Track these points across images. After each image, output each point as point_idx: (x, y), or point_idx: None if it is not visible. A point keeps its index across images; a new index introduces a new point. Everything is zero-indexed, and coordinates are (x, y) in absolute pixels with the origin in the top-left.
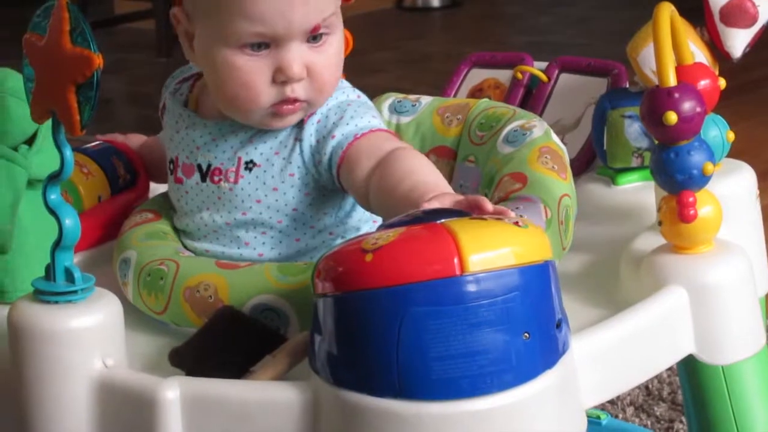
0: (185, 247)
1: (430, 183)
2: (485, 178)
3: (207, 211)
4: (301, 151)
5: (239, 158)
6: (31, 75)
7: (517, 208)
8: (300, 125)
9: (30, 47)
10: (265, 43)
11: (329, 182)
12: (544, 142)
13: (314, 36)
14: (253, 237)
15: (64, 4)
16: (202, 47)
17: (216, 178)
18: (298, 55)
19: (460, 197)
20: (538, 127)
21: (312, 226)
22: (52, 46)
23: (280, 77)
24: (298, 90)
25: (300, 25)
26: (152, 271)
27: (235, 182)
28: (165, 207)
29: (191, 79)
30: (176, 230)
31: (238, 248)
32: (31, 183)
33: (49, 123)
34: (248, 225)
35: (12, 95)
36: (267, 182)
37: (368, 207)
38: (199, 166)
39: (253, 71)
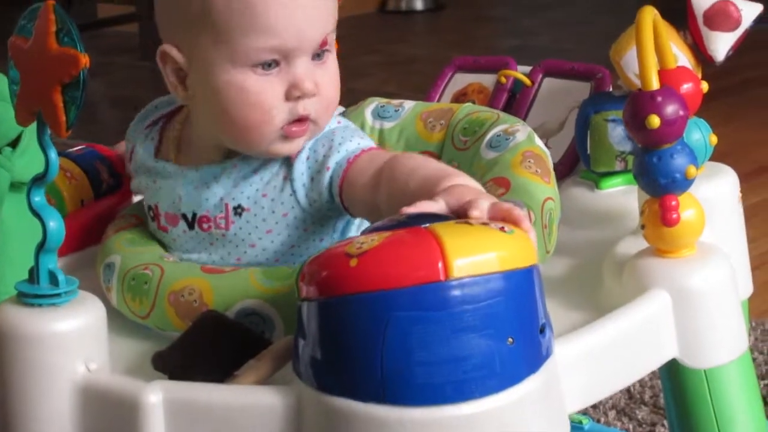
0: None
1: (439, 171)
2: None
3: (199, 254)
4: (294, 191)
5: (226, 204)
6: (17, 78)
7: None
8: (288, 163)
9: (15, 50)
10: (276, 61)
11: (332, 212)
12: (527, 147)
13: (317, 54)
14: None
15: (50, 5)
16: (203, 77)
17: (205, 226)
18: (309, 71)
19: (447, 202)
20: (521, 132)
21: (309, 254)
22: (39, 47)
23: (294, 93)
24: (309, 107)
25: (311, 39)
26: (137, 276)
27: (227, 228)
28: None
29: (160, 121)
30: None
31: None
32: (14, 186)
33: (33, 126)
34: (244, 266)
35: None
36: (259, 226)
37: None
38: (184, 215)
39: (265, 90)
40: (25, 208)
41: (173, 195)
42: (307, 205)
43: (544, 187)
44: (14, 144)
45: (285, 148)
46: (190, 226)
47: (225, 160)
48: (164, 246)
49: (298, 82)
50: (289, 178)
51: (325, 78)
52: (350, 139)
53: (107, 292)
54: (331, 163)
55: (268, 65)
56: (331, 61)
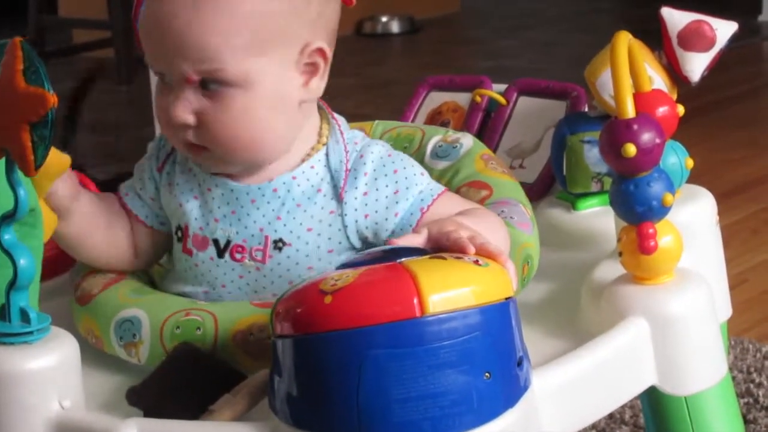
0: None
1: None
2: None
3: (223, 288)
4: (344, 226)
5: (266, 237)
6: None
7: (502, 211)
8: (336, 197)
9: None
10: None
11: None
12: (481, 150)
13: (204, 85)
14: None
15: (17, 43)
16: None
17: (238, 256)
18: (183, 98)
19: (429, 230)
20: (466, 137)
21: None
22: (5, 85)
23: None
24: (191, 136)
25: (177, 71)
26: (181, 324)
27: (263, 262)
28: None
29: None
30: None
31: None
32: None
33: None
34: None
35: None
36: (301, 262)
37: None
38: (216, 241)
39: (160, 106)
40: None
41: (208, 216)
42: (358, 242)
43: (517, 185)
44: None
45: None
46: (220, 253)
47: (261, 181)
48: (179, 274)
49: (168, 105)
50: (338, 213)
51: (211, 111)
52: (414, 180)
53: (128, 349)
54: (400, 210)
55: (163, 78)
56: (231, 97)
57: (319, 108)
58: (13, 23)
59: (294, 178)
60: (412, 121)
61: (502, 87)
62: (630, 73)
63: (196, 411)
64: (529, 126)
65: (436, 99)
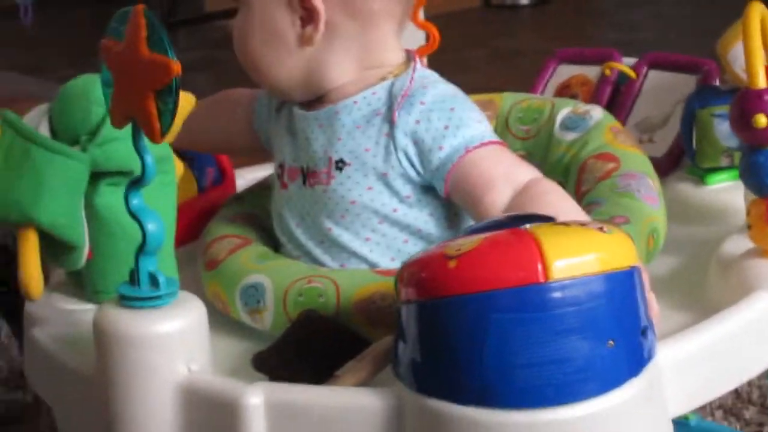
0: None
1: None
2: (555, 166)
3: (309, 217)
4: (395, 149)
5: (330, 158)
6: (109, 80)
7: (629, 184)
8: (389, 119)
9: (107, 52)
10: None
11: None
12: (610, 123)
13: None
14: (359, 245)
15: (140, 10)
16: None
17: (312, 181)
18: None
19: None
20: (596, 110)
21: (419, 229)
22: (130, 53)
23: None
24: None
25: None
26: (304, 291)
27: (327, 183)
28: (247, 230)
29: None
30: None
31: (348, 259)
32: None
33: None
34: (350, 230)
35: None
36: (360, 181)
37: None
38: (302, 169)
39: None
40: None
41: (297, 149)
42: (410, 167)
43: (645, 158)
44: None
45: None
46: (305, 181)
47: (320, 104)
48: (276, 217)
49: None
50: (390, 135)
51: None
52: (468, 123)
53: (253, 315)
54: (446, 145)
55: None
56: (241, 14)
57: (411, 59)
58: None
59: (355, 102)
60: (541, 94)
61: (632, 60)
62: (763, 46)
63: (321, 376)
64: (659, 100)
65: (564, 72)
